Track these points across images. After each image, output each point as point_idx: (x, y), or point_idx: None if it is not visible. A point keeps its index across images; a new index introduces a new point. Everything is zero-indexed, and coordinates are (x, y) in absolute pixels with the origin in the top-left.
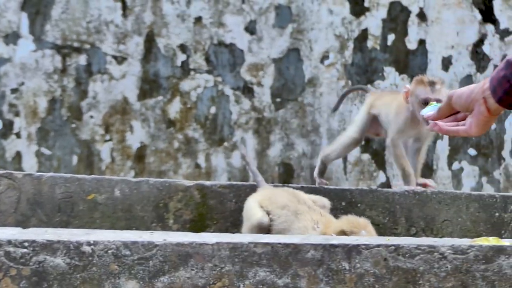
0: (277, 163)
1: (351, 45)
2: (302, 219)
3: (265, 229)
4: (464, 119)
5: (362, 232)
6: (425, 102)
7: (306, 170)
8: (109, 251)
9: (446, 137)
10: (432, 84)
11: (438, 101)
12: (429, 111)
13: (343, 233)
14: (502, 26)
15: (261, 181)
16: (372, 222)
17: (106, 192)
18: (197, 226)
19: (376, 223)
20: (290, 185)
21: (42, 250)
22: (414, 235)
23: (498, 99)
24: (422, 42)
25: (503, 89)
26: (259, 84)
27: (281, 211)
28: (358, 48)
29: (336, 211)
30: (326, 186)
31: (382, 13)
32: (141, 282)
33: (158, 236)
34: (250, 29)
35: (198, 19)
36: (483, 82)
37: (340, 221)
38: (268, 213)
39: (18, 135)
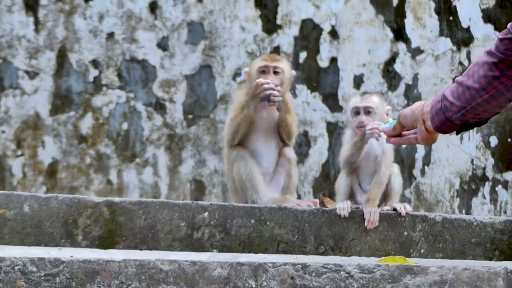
0: (189, 180)
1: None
2: None
3: None
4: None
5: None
6: (356, 112)
7: (218, 187)
8: (16, 267)
9: None
10: (362, 94)
11: (367, 107)
12: (385, 126)
13: None
14: (414, 44)
15: None
16: (281, 240)
17: (15, 208)
18: (106, 242)
19: (285, 241)
20: (200, 202)
21: None
22: (322, 254)
23: (435, 127)
24: (334, 60)
25: (440, 120)
26: (171, 100)
27: None
28: None
29: (245, 229)
30: (235, 204)
31: (294, 30)
32: None
33: (65, 253)
34: (163, 45)
35: (111, 35)
36: (422, 105)
37: None
38: None
39: None
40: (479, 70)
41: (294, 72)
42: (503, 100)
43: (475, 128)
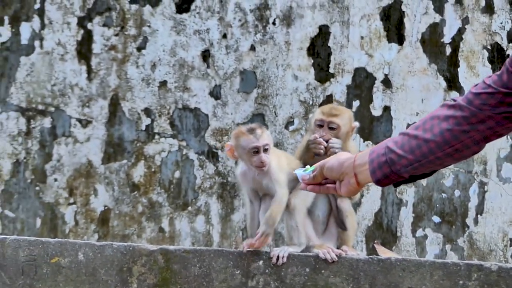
0: (241, 228)
1: (316, 110)
2: None
3: None
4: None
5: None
6: (256, 151)
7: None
8: None
9: (410, 204)
10: (252, 131)
11: (265, 145)
12: (303, 173)
13: None
14: None
15: None
16: None
17: (69, 256)
18: None
19: None
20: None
21: None
22: None
23: (376, 180)
24: (386, 109)
25: (383, 173)
26: (224, 148)
27: None
28: None
29: (300, 277)
30: (290, 253)
31: (347, 79)
32: None
33: None
34: (215, 93)
35: (163, 83)
36: (353, 158)
37: None
38: None
39: None
40: (441, 124)
41: (357, 124)
42: (469, 153)
43: None
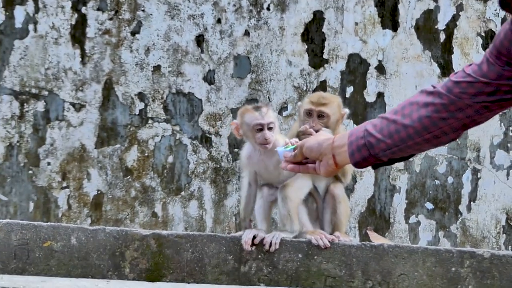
0: (234, 214)
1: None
2: None
3: None
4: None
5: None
6: (260, 129)
7: None
8: None
9: (403, 190)
10: (258, 109)
11: (270, 124)
12: (285, 150)
13: None
14: None
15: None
16: (328, 275)
17: (62, 240)
18: (153, 275)
19: (332, 276)
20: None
21: None
22: None
23: (354, 163)
24: (380, 95)
25: (362, 156)
26: (217, 134)
27: None
28: None
29: (292, 263)
30: (283, 238)
31: (341, 65)
32: None
33: (114, 285)
34: (209, 78)
35: (157, 68)
36: (332, 139)
37: None
38: None
39: None
40: (420, 110)
41: (347, 110)
42: (446, 139)
43: None
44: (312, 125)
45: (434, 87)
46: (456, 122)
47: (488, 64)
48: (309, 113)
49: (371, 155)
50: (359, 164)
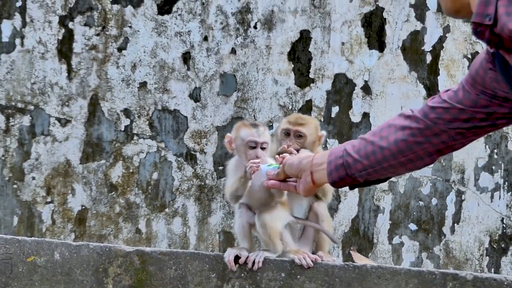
0: (217, 231)
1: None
2: None
3: None
4: None
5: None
6: (253, 146)
7: None
8: None
9: (387, 211)
10: (255, 126)
11: (264, 144)
12: (268, 169)
13: None
14: None
15: None
16: None
17: (46, 255)
18: None
19: None
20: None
21: None
22: None
23: (332, 182)
24: (366, 115)
25: (339, 175)
26: (202, 151)
27: None
28: None
29: (275, 282)
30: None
31: (327, 84)
32: None
33: None
34: (195, 96)
35: (143, 84)
36: (312, 156)
37: None
38: None
39: None
40: (397, 133)
41: (324, 133)
42: (421, 164)
43: (505, 187)
44: (289, 143)
45: (412, 111)
46: (431, 147)
47: (463, 91)
48: (286, 133)
49: (347, 175)
50: (336, 183)
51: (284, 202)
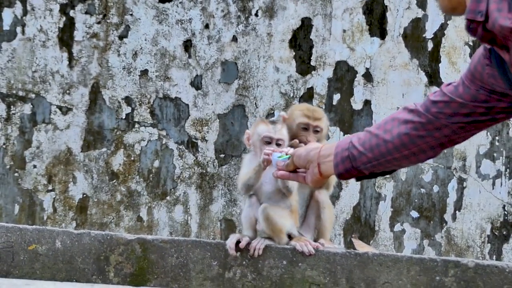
0: (219, 219)
1: (296, 103)
2: None
3: None
4: None
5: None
6: (268, 142)
7: None
8: None
9: (388, 198)
10: (273, 123)
11: (279, 140)
12: (278, 159)
13: None
14: None
15: None
16: (312, 282)
17: (47, 243)
18: (138, 280)
19: (316, 283)
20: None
21: None
22: None
23: (338, 174)
24: (367, 103)
25: (345, 167)
26: (203, 139)
27: None
28: None
29: (276, 269)
30: (267, 244)
31: (328, 72)
32: None
33: None
34: (196, 83)
35: (144, 72)
36: (319, 148)
37: None
38: None
39: None
40: (400, 126)
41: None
42: (424, 157)
43: (507, 174)
44: (309, 139)
45: (415, 105)
46: (433, 141)
47: (463, 86)
48: (305, 128)
49: (353, 168)
50: (342, 175)
51: (294, 209)
